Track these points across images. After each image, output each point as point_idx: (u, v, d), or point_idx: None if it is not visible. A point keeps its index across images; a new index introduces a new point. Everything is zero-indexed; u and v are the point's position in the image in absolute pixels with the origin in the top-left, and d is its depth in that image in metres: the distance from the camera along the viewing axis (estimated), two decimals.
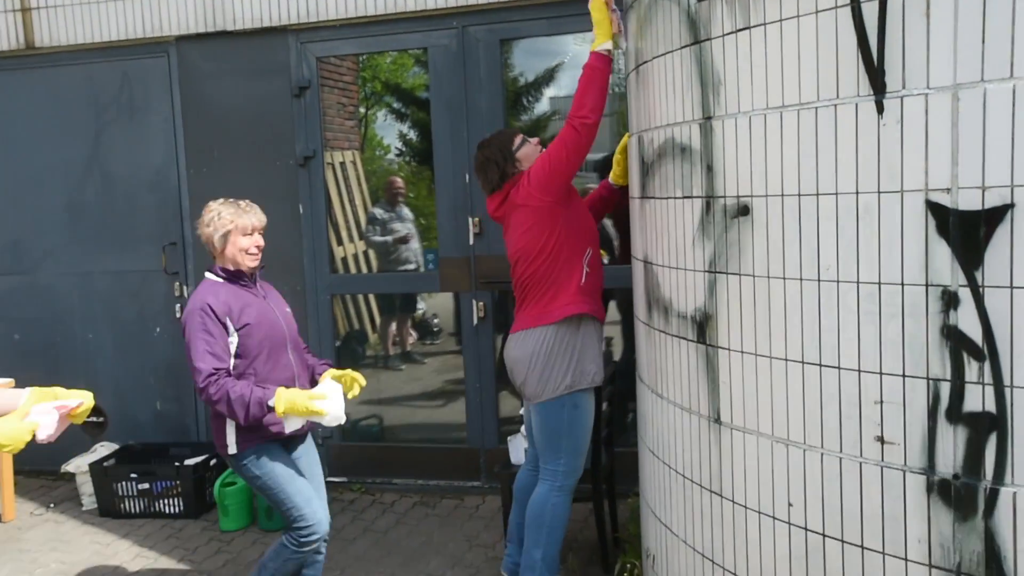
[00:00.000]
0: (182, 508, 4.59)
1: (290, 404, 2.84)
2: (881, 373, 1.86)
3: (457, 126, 4.46)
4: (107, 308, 5.13)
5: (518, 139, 3.25)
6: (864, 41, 1.81)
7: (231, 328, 2.96)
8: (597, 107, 2.96)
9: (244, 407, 2.85)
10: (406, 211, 5.00)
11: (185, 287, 4.95)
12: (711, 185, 2.22)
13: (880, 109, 1.80)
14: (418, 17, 4.36)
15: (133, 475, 4.60)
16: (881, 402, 1.86)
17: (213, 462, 4.69)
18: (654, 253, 2.56)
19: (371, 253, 5.06)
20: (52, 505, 4.88)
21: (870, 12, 1.79)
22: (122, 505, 4.62)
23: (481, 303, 4.56)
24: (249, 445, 3.01)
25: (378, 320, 5.17)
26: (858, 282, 1.87)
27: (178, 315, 4.89)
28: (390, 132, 7.91)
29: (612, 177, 3.42)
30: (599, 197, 3.47)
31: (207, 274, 3.08)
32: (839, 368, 1.93)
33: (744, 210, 2.12)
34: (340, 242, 4.97)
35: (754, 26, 2.03)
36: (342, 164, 5.67)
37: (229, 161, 4.74)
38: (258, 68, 4.63)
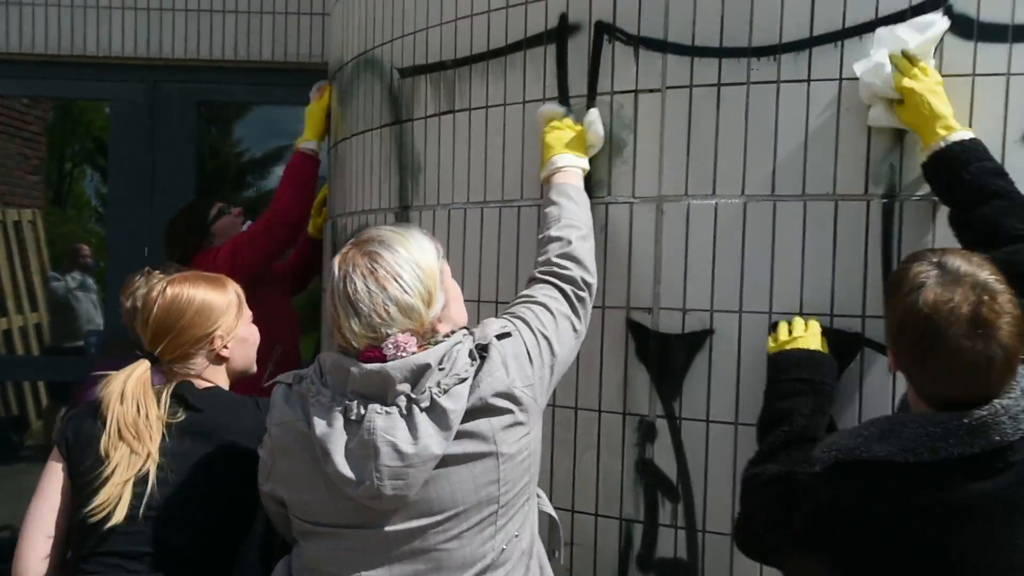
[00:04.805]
0: None
1: None
2: (573, 511, 1.63)
3: (140, 194, 3.85)
4: None
5: (215, 210, 2.86)
6: None
7: None
8: (296, 206, 2.66)
9: None
10: (90, 281, 4.49)
11: None
12: None
13: None
14: (100, 64, 3.78)
15: None
16: (572, 544, 1.63)
17: None
18: None
19: (43, 325, 4.47)
20: None
21: (578, 109, 1.64)
22: None
23: None
24: None
25: (44, 403, 4.52)
26: (553, 406, 1.65)
27: None
28: (96, 192, 6.97)
29: (311, 230, 3.04)
30: (300, 256, 3.07)
31: None
32: None
33: None
34: (4, 313, 4.45)
35: (459, 110, 1.82)
36: (16, 223, 4.89)
37: None
38: None
